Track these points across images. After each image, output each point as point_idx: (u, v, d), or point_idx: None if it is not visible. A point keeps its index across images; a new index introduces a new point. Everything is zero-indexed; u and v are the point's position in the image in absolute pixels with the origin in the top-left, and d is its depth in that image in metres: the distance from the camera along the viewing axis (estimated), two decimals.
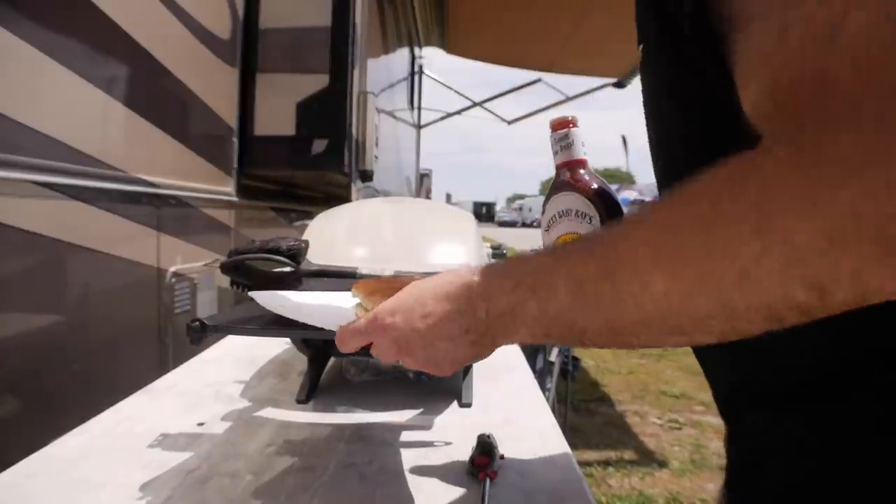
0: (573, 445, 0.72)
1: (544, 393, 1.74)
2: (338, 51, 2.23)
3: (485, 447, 0.65)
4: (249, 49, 2.15)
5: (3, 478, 0.60)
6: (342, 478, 0.62)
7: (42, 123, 1.10)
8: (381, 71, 2.97)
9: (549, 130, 0.56)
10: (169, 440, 0.70)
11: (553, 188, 0.56)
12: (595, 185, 0.54)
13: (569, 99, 7.43)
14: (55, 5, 1.16)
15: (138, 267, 1.44)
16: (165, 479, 0.61)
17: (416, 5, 4.61)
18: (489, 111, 8.16)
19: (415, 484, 0.62)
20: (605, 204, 0.53)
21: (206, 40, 1.81)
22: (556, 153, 0.56)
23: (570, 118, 0.55)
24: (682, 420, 2.89)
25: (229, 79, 2.05)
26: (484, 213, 49.74)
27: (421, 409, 0.83)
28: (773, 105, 0.29)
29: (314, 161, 2.27)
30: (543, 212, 0.57)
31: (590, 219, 0.53)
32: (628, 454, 2.59)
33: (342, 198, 2.41)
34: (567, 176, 0.55)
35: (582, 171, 0.55)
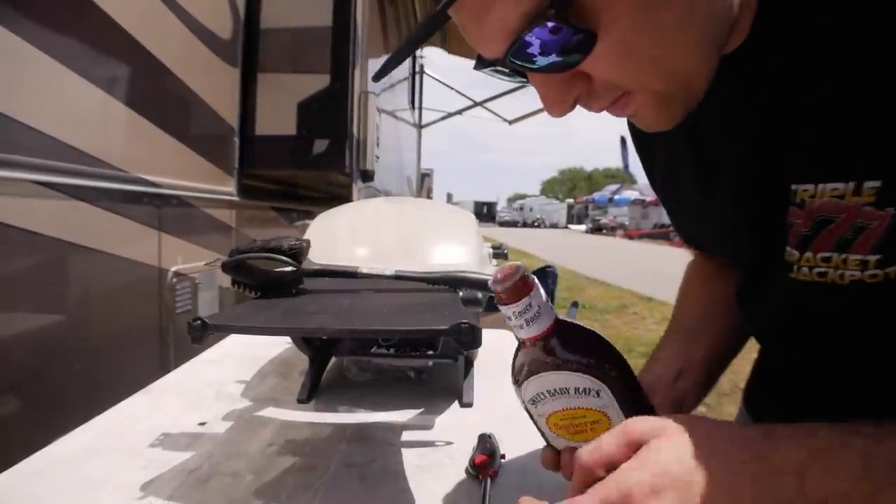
0: None
1: None
2: (339, 51, 2.23)
3: (486, 447, 0.65)
4: (250, 49, 2.16)
5: (5, 477, 0.60)
6: (343, 477, 0.63)
7: (43, 123, 1.10)
8: None
9: (498, 299, 0.40)
10: (170, 440, 0.70)
11: (529, 364, 0.43)
12: (589, 351, 0.42)
13: None
14: (56, 5, 1.16)
15: (140, 266, 1.44)
16: (167, 478, 0.61)
17: (417, 5, 4.61)
18: (490, 111, 8.17)
19: (416, 484, 0.62)
20: (606, 362, 0.42)
21: (207, 40, 1.81)
22: (519, 327, 0.41)
23: (517, 274, 0.40)
24: None
25: (230, 78, 2.05)
26: (485, 212, 49.76)
27: (422, 409, 0.83)
28: None
29: (315, 161, 2.27)
30: (519, 381, 0.43)
31: (597, 392, 0.42)
32: None
33: (343, 197, 2.41)
34: (547, 351, 0.42)
35: (564, 336, 0.42)
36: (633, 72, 0.35)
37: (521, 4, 0.32)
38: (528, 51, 0.33)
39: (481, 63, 0.38)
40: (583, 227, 37.58)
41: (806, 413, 0.45)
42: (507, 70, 0.37)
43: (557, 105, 0.37)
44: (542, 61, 0.34)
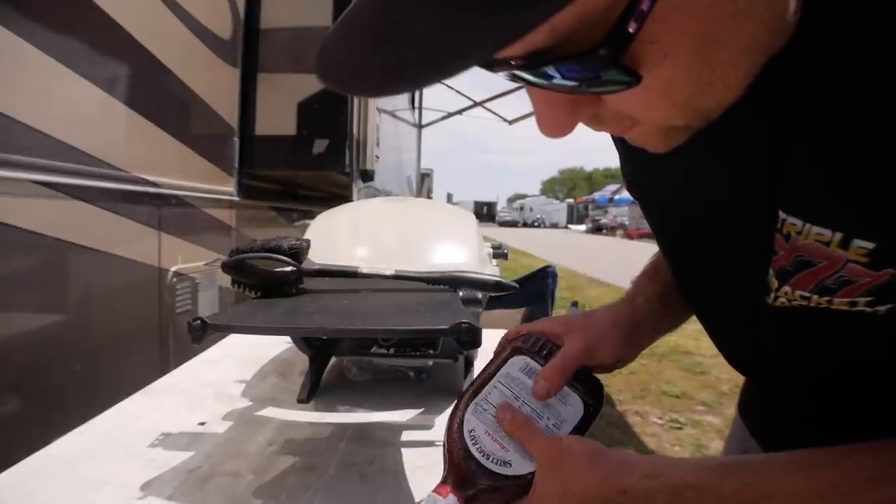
0: None
1: None
2: None
3: None
4: (250, 49, 2.16)
5: (5, 477, 0.60)
6: (343, 477, 0.63)
7: (44, 123, 1.10)
8: None
9: None
10: (170, 439, 0.70)
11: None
12: None
13: None
14: (57, 5, 1.16)
15: (140, 267, 1.44)
16: (166, 478, 0.61)
17: None
18: (490, 111, 8.18)
19: (416, 484, 0.62)
20: None
21: (207, 40, 1.81)
22: None
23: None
24: (682, 420, 2.89)
25: (230, 78, 2.05)
26: (485, 212, 49.75)
27: (422, 409, 0.83)
28: None
29: (315, 160, 2.27)
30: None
31: None
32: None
33: (343, 197, 2.42)
34: None
35: None
36: (659, 111, 0.30)
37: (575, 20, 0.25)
38: (547, 71, 0.27)
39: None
40: (583, 227, 37.59)
41: (799, 428, 0.47)
42: (504, 67, 0.29)
43: (557, 127, 0.31)
44: (560, 82, 0.27)
